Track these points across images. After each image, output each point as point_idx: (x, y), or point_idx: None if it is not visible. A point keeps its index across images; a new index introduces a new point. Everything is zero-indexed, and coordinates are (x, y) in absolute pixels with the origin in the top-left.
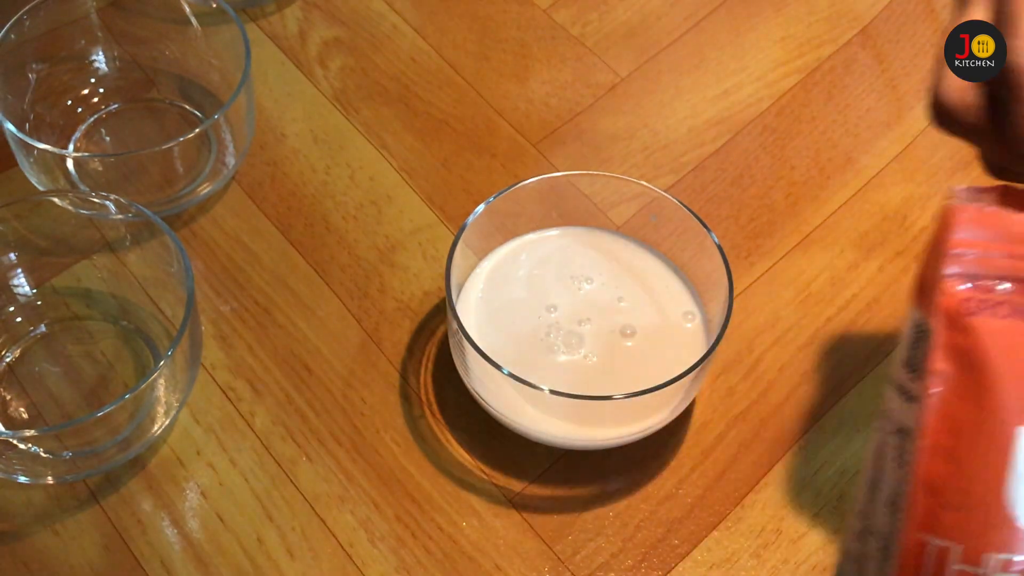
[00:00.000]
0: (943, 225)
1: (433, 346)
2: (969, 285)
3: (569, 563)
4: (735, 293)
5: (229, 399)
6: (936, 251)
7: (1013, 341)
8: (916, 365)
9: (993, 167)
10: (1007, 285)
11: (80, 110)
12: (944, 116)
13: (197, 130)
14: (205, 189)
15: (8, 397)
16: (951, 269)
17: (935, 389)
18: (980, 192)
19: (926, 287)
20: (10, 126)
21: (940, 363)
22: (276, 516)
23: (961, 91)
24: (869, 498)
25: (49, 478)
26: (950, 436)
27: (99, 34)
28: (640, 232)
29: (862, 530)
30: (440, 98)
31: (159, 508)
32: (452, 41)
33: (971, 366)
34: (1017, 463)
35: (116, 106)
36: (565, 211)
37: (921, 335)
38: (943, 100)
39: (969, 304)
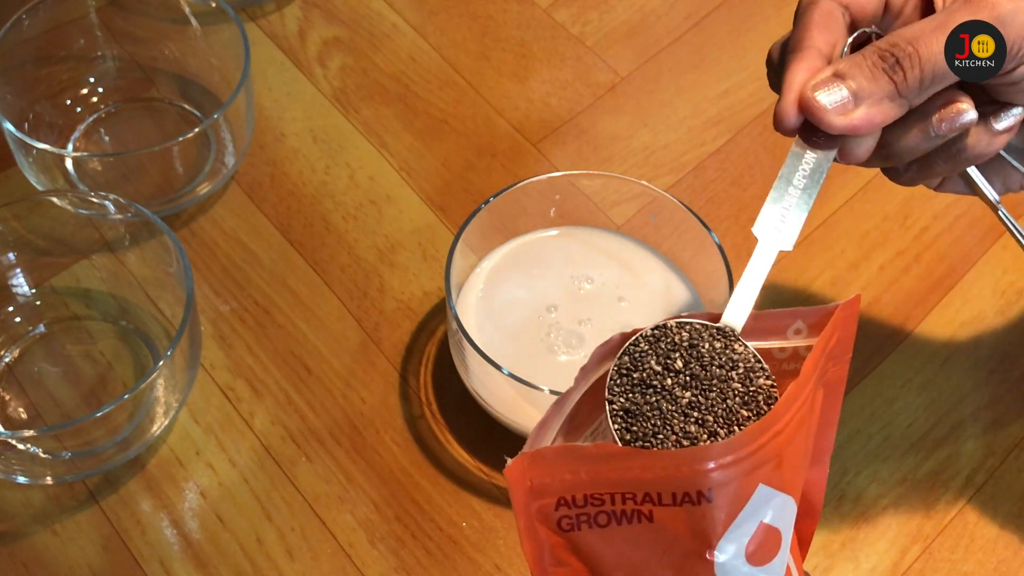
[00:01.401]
0: (511, 480)
1: (433, 346)
2: (564, 507)
3: None
4: None
5: (228, 399)
6: (517, 495)
7: (616, 540)
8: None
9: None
10: (595, 499)
11: (79, 110)
12: (768, 71)
13: (196, 130)
14: (204, 189)
15: (7, 397)
16: (540, 502)
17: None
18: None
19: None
20: (9, 126)
21: (554, 563)
22: (275, 516)
23: (775, 48)
24: None
25: (48, 478)
26: None
27: (98, 33)
28: (640, 232)
29: None
30: (440, 98)
31: (158, 508)
32: (452, 41)
33: (587, 563)
34: None
35: (115, 106)
36: (565, 211)
37: None
38: (768, 59)
39: (566, 522)
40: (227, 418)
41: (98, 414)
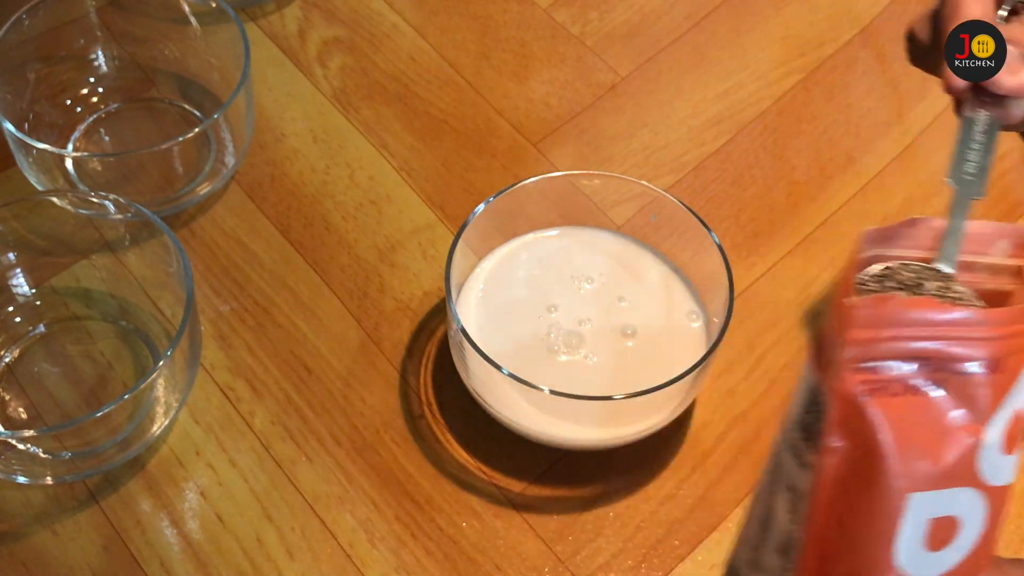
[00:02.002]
0: (839, 319)
1: (433, 346)
2: (864, 371)
3: (569, 563)
4: (736, 293)
5: (228, 399)
6: (833, 339)
7: (904, 415)
8: (809, 430)
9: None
10: (900, 365)
11: (79, 109)
12: (910, 47)
13: (197, 130)
14: (204, 189)
15: (7, 397)
16: (847, 357)
17: (828, 461)
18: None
19: (823, 360)
20: (9, 126)
21: (834, 440)
22: (276, 516)
23: (919, 23)
24: (760, 537)
25: (48, 478)
26: (842, 504)
27: (98, 33)
28: (640, 232)
29: (751, 561)
30: (440, 98)
31: (158, 508)
32: (452, 40)
33: (864, 441)
34: (907, 526)
35: (115, 106)
36: (565, 211)
37: (815, 402)
38: (909, 34)
39: (863, 388)
40: (227, 418)
41: (98, 414)
